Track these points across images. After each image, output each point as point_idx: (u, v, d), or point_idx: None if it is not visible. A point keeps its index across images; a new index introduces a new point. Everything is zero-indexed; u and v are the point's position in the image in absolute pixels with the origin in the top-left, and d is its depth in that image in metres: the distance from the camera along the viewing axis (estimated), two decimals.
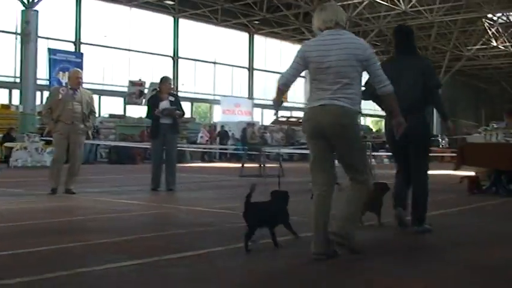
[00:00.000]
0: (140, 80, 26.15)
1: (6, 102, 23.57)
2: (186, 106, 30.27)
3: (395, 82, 4.07)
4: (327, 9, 3.90)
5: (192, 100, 31.31)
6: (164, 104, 9.30)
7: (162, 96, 9.43)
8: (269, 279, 3.42)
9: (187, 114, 28.95)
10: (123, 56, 27.87)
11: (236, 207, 7.06)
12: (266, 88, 34.76)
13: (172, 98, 9.41)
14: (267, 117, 34.44)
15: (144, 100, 24.38)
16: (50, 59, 22.28)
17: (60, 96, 8.38)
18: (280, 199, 4.23)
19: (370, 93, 4.40)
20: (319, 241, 3.76)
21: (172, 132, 9.30)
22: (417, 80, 4.94)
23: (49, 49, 22.80)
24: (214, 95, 32.07)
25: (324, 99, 3.76)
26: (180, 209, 6.94)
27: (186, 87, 30.40)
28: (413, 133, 4.78)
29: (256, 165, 14.16)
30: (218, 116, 31.55)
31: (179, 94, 29.90)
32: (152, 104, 9.50)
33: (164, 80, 9.56)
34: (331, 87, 3.75)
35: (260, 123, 31.52)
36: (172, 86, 9.99)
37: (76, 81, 8.52)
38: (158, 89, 9.67)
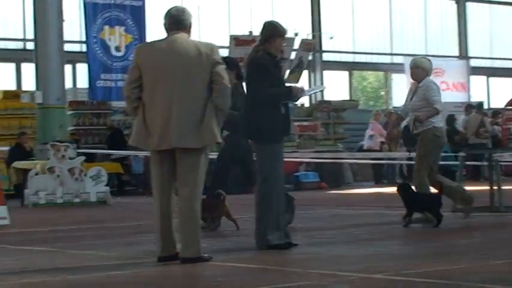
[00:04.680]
0: (251, 33, 26.63)
1: (12, 85, 24.75)
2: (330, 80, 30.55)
3: None
4: None
5: (351, 66, 31.84)
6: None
7: None
8: None
9: (334, 95, 29.19)
10: None
11: (462, 270, 7.06)
12: (493, 38, 33.87)
13: None
14: (500, 93, 33.46)
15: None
16: (85, 6, 23.08)
17: None
18: None
19: None
20: None
21: None
22: None
23: None
24: (392, 54, 32.24)
25: None
26: (351, 279, 6.88)
27: (336, 42, 30.88)
28: None
29: (485, 187, 14.14)
30: (401, 94, 31.25)
31: (324, 56, 30.40)
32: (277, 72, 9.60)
33: (279, 31, 9.51)
34: None
35: (487, 105, 30.71)
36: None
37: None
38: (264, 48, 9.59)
